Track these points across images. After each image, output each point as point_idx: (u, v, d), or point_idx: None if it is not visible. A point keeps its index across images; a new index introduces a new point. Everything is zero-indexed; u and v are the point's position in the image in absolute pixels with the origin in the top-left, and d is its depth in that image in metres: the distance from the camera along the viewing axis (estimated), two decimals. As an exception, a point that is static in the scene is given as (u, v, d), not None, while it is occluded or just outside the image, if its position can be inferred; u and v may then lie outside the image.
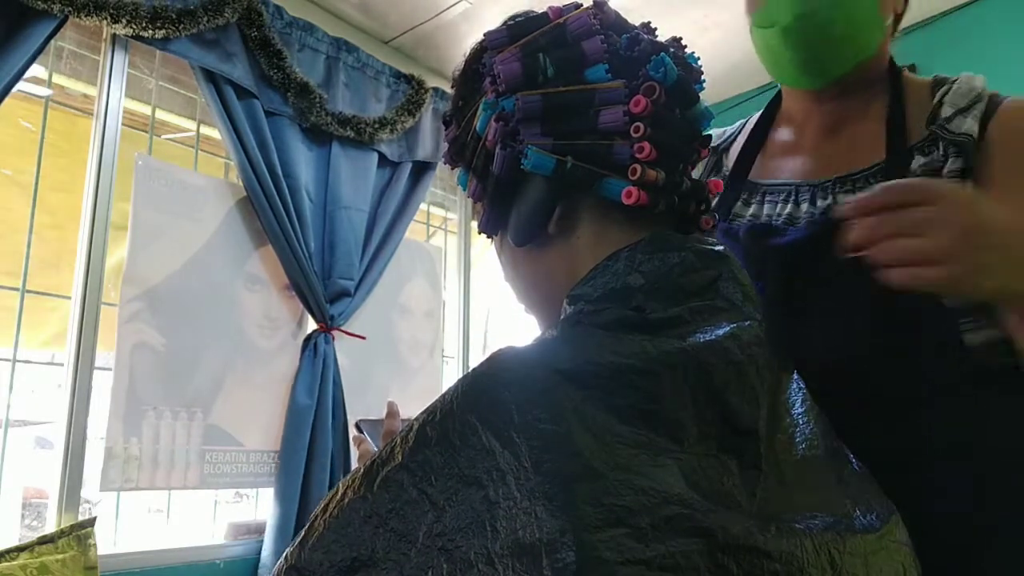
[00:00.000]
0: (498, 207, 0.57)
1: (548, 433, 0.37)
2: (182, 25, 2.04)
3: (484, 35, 0.57)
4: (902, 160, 0.68)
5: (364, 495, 0.41)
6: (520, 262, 0.58)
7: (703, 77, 0.57)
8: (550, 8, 0.56)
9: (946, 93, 0.71)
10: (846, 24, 0.70)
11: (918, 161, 0.68)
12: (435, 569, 0.36)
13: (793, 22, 0.70)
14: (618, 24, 0.56)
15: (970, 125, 0.66)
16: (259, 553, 2.23)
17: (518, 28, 0.55)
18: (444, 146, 0.63)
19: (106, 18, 1.91)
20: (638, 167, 0.50)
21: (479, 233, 0.62)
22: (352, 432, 0.73)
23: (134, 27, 1.96)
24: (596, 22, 0.53)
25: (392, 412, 0.70)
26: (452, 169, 0.62)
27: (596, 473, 0.35)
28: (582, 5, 0.56)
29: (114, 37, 2.10)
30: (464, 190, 0.61)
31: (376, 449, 0.52)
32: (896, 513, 0.49)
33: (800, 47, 0.71)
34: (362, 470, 0.42)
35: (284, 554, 0.43)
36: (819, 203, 0.71)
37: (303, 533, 0.43)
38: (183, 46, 2.10)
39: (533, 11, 0.56)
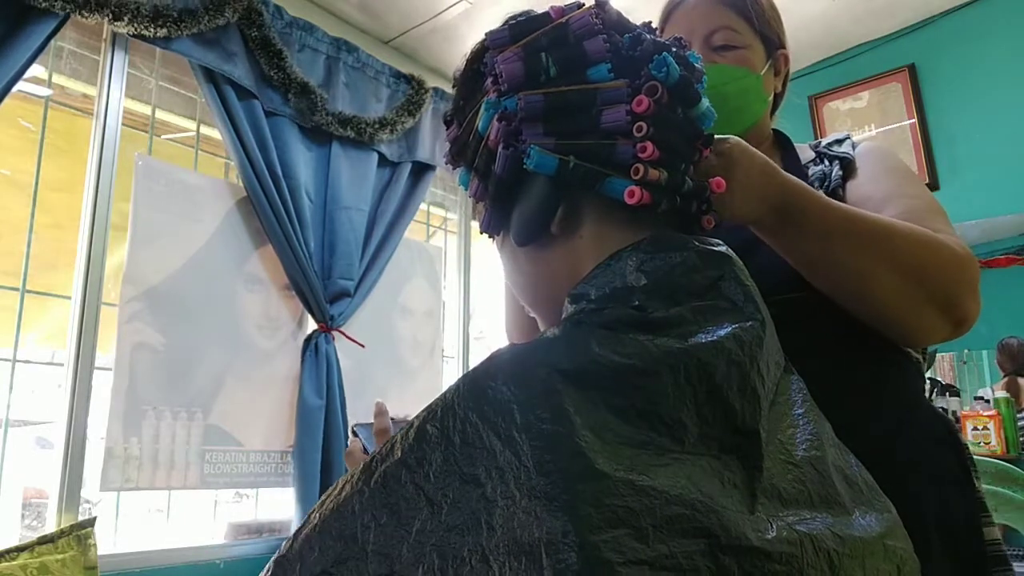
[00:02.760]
0: (500, 207, 0.57)
1: (550, 433, 0.37)
2: (183, 24, 2.04)
3: (486, 34, 0.57)
4: (799, 171, 0.87)
5: (361, 489, 0.41)
6: (522, 261, 0.58)
7: (705, 77, 0.57)
8: (552, 8, 0.55)
9: (821, 139, 0.95)
10: (741, 97, 0.89)
11: (812, 170, 0.88)
12: (426, 564, 0.36)
13: None
14: (620, 24, 0.56)
15: (847, 149, 0.89)
16: (260, 553, 2.23)
17: (520, 27, 0.55)
18: (445, 145, 0.62)
19: (107, 16, 1.91)
20: (641, 167, 0.50)
21: (481, 233, 0.62)
22: (349, 437, 0.72)
23: (135, 26, 1.96)
24: (598, 22, 0.53)
25: (381, 411, 0.70)
26: (453, 169, 0.62)
27: (598, 473, 0.35)
28: (584, 5, 0.56)
29: (114, 37, 2.10)
30: (466, 190, 0.61)
31: (369, 452, 0.53)
32: (893, 513, 0.49)
33: None
34: (362, 466, 0.43)
35: (281, 545, 0.43)
36: None
37: (298, 526, 0.43)
38: (184, 45, 2.11)
39: (534, 11, 0.56)
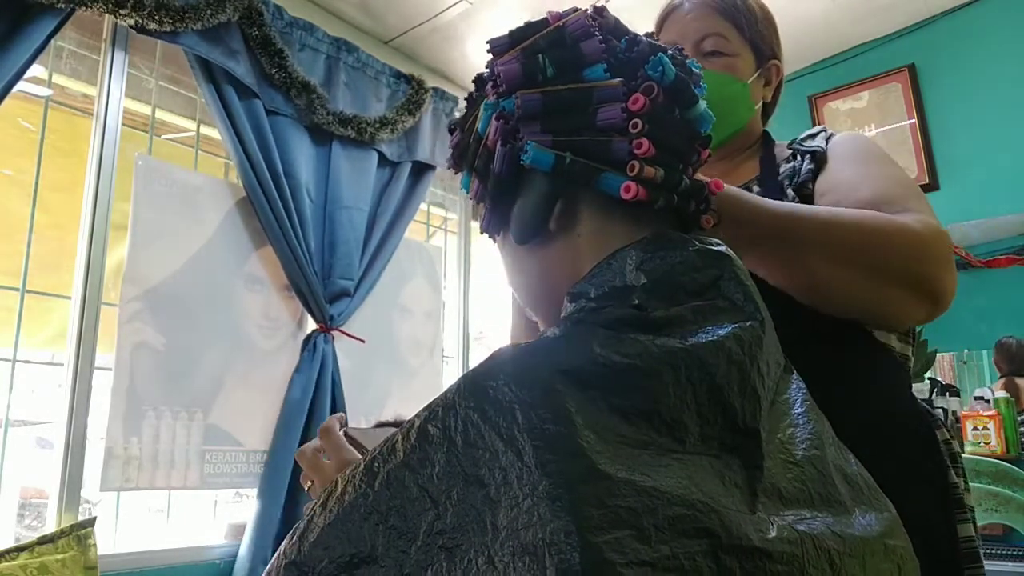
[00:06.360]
0: (499, 206, 0.58)
1: (552, 433, 0.37)
2: (186, 17, 2.04)
3: (488, 42, 0.58)
4: (771, 169, 0.89)
5: (365, 491, 0.41)
6: (522, 260, 0.59)
7: (703, 82, 0.58)
8: (549, 13, 0.57)
9: (797, 136, 0.94)
10: (725, 104, 0.88)
11: (784, 168, 0.88)
12: (435, 567, 0.36)
13: None
14: (618, 29, 0.57)
15: (819, 143, 0.88)
16: (259, 553, 2.23)
17: (519, 33, 0.56)
18: (448, 151, 0.63)
19: (109, 7, 1.90)
20: (636, 163, 0.51)
21: (481, 233, 0.63)
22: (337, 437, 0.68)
23: (137, 17, 1.95)
24: (594, 24, 0.55)
25: (327, 427, 0.64)
26: (456, 173, 0.63)
27: (600, 474, 0.35)
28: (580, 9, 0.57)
29: (114, 37, 2.10)
30: (467, 192, 0.61)
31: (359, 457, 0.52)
32: (893, 513, 0.49)
33: None
34: (362, 466, 0.43)
35: (281, 549, 0.43)
36: None
37: (302, 528, 0.43)
38: (186, 40, 2.10)
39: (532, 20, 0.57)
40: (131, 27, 2.01)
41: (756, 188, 0.86)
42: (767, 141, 0.97)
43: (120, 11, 1.93)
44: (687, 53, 0.85)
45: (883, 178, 0.77)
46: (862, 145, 0.86)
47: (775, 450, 0.45)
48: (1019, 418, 2.37)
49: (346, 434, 0.69)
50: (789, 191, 0.83)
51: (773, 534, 0.37)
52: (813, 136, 0.91)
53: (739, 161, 0.95)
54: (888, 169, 0.80)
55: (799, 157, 0.88)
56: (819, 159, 0.85)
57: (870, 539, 0.43)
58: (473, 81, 0.61)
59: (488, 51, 0.58)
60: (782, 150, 0.94)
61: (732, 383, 0.44)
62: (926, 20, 2.85)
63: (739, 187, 0.88)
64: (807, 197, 0.81)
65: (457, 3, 2.61)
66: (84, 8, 1.87)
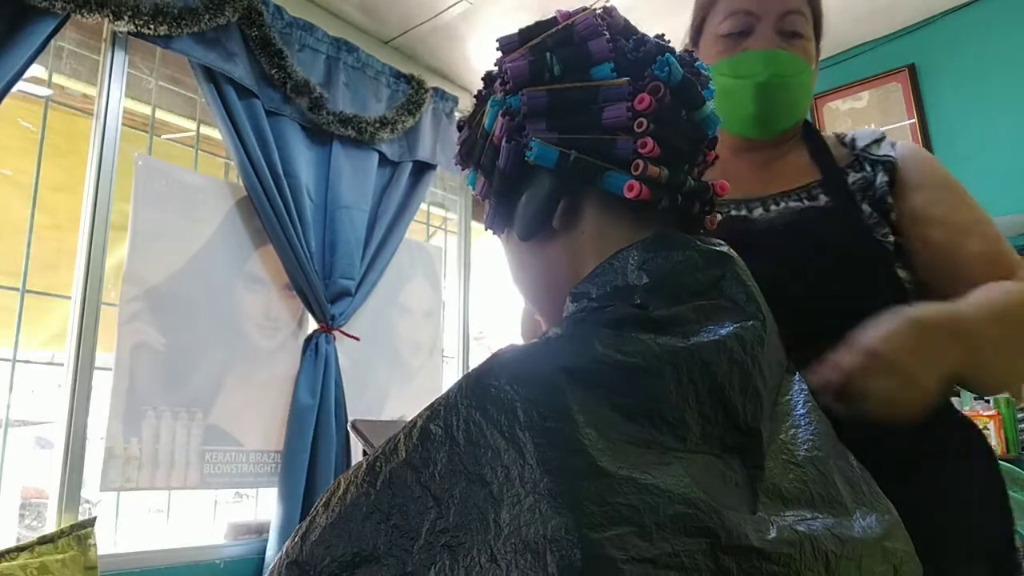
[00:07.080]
0: (504, 202, 0.58)
1: (554, 431, 0.37)
2: (183, 22, 2.04)
3: (497, 40, 0.58)
4: (837, 176, 0.85)
5: (367, 491, 0.41)
6: (525, 257, 0.59)
7: (712, 84, 0.58)
8: (559, 12, 0.57)
9: (854, 136, 0.90)
10: (800, 91, 0.87)
11: (852, 177, 0.84)
12: (439, 565, 0.36)
13: (768, 79, 0.84)
14: (627, 30, 0.57)
15: (887, 151, 0.85)
16: (259, 553, 2.23)
17: (528, 31, 0.57)
18: (456, 149, 0.64)
19: (107, 15, 1.90)
20: (640, 162, 0.51)
21: (486, 230, 0.63)
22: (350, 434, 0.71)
23: (135, 24, 1.95)
24: (602, 24, 0.55)
25: None
26: (463, 171, 0.63)
27: (601, 472, 0.35)
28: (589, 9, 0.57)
29: (114, 37, 2.10)
30: (474, 189, 0.62)
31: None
32: (894, 515, 0.49)
33: (764, 102, 0.86)
34: (364, 466, 0.43)
35: (284, 548, 0.43)
36: (772, 208, 0.84)
37: (304, 527, 0.43)
38: (184, 44, 2.10)
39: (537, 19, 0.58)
40: (128, 33, 2.01)
41: (824, 197, 0.83)
42: (809, 130, 0.93)
43: (118, 21, 1.93)
44: (763, 27, 0.82)
45: (986, 226, 0.80)
46: (940, 170, 0.84)
47: (777, 450, 0.45)
48: (1019, 416, 2.37)
49: (353, 425, 0.70)
50: (865, 205, 0.81)
51: (773, 535, 0.37)
52: (877, 143, 0.87)
53: (784, 151, 0.91)
54: (980, 212, 0.82)
55: (868, 166, 0.85)
56: (891, 171, 0.83)
57: (869, 541, 0.43)
58: (483, 79, 0.62)
59: (498, 49, 0.58)
60: (835, 145, 0.90)
61: (734, 382, 0.44)
62: (926, 20, 2.85)
63: (801, 188, 0.84)
64: (886, 212, 0.81)
65: (457, 3, 2.61)
66: (82, 16, 1.87)
